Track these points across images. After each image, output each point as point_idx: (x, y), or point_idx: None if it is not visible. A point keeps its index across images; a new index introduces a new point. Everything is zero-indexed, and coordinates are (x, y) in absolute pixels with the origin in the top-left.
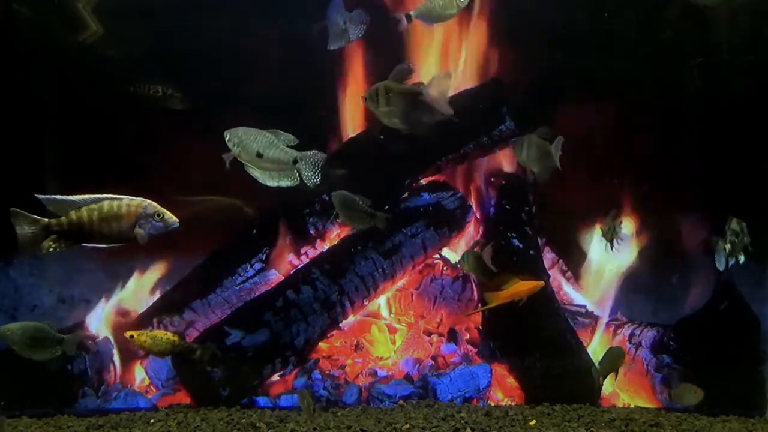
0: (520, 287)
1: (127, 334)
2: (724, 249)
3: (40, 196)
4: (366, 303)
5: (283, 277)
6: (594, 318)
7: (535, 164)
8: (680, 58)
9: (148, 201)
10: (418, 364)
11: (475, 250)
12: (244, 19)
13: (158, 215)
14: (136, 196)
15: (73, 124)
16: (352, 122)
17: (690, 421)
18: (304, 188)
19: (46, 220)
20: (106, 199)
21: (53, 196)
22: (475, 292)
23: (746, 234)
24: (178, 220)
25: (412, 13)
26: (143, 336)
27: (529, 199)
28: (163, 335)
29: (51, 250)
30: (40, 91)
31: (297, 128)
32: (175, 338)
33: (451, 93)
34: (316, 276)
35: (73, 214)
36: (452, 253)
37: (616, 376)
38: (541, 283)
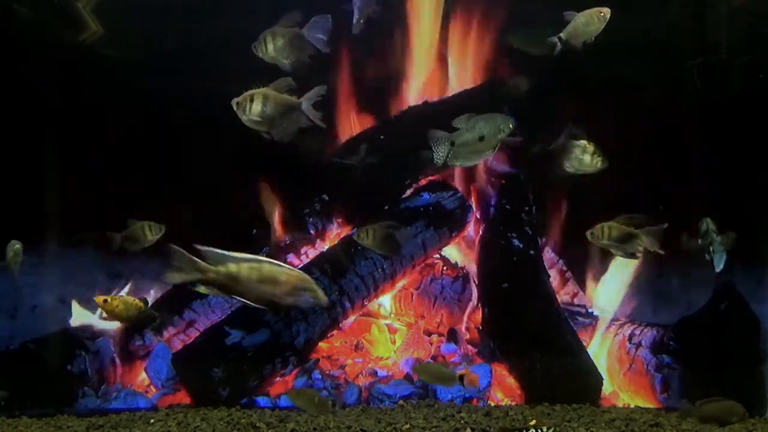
0: None
1: (99, 299)
2: (717, 248)
3: (200, 247)
4: (366, 303)
5: None
6: (594, 318)
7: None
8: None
9: (306, 275)
10: (418, 364)
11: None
12: None
13: (311, 291)
14: None
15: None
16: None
17: (690, 421)
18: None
19: (204, 265)
20: (266, 261)
21: (213, 249)
22: (475, 293)
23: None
24: (327, 301)
25: (562, 35)
26: (116, 300)
27: (530, 198)
28: (132, 300)
29: (200, 291)
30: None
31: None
32: (142, 304)
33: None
34: (316, 276)
35: (232, 267)
36: (453, 253)
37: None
38: None
